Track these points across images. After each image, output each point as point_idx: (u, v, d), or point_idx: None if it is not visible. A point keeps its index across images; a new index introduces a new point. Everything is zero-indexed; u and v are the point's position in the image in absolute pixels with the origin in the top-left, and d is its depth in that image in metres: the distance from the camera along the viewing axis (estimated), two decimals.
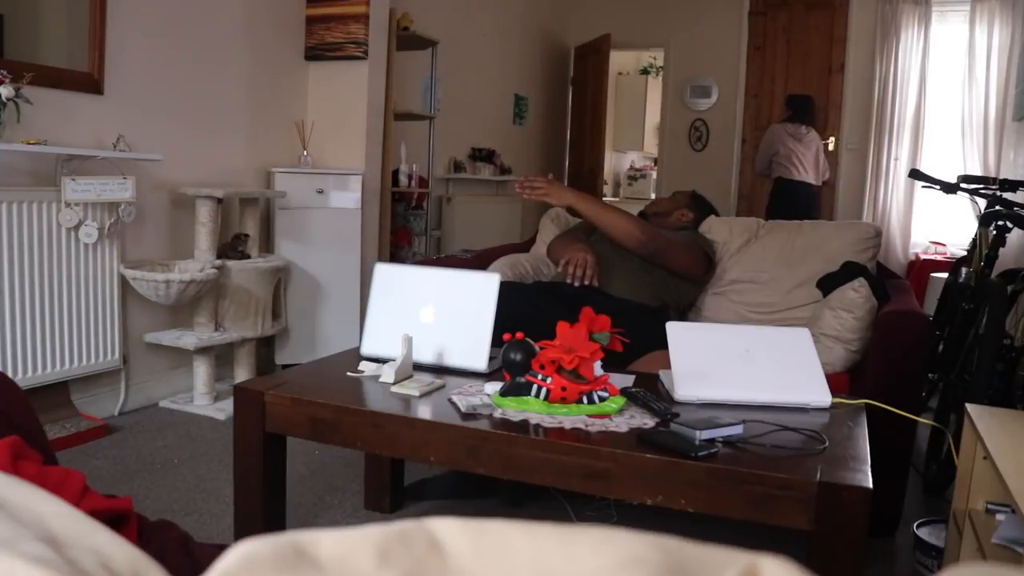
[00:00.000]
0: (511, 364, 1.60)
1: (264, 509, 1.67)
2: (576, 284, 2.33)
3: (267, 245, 3.46)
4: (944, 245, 5.51)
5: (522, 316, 1.92)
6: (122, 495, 1.00)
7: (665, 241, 2.43)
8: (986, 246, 2.78)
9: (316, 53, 3.66)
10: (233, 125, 3.36)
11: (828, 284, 2.36)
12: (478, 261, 2.75)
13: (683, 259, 2.46)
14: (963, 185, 3.06)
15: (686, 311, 2.63)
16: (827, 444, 1.39)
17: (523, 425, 1.45)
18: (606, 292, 2.36)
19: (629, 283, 2.40)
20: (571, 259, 2.35)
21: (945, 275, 3.61)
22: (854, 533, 1.22)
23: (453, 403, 1.55)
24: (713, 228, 2.77)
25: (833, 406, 1.63)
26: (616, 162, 8.97)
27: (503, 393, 1.55)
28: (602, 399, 1.53)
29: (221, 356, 3.14)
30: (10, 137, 2.35)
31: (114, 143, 2.72)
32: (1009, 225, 2.66)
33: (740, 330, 1.83)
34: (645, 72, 8.66)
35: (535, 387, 1.52)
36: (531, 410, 1.50)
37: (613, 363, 1.73)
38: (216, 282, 2.93)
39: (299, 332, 3.49)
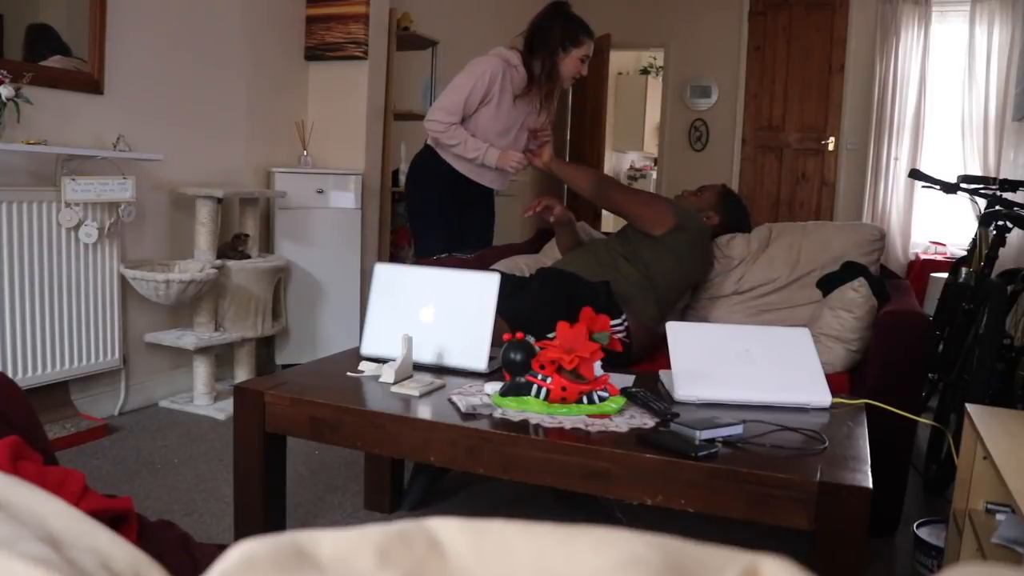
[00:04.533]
0: (511, 364, 1.60)
1: (264, 509, 1.67)
2: (528, 213, 2.57)
3: (267, 245, 3.46)
4: (944, 245, 5.50)
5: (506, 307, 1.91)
6: (122, 495, 1.00)
7: (620, 190, 2.63)
8: (986, 246, 2.78)
9: (316, 53, 3.66)
10: (233, 125, 3.36)
11: (828, 284, 2.35)
12: (478, 261, 2.75)
13: (641, 211, 2.42)
14: (963, 185, 3.06)
15: (684, 312, 2.62)
16: (827, 444, 1.39)
17: (523, 425, 1.45)
18: (561, 269, 2.36)
19: (594, 269, 2.34)
20: (541, 198, 2.60)
21: (945, 275, 3.61)
22: (854, 533, 1.22)
23: (453, 403, 1.55)
24: (732, 243, 2.66)
25: (833, 406, 1.63)
26: (616, 162, 8.97)
27: (503, 393, 1.55)
28: (602, 399, 1.53)
29: (221, 356, 3.14)
30: (10, 137, 2.35)
31: (114, 143, 2.72)
32: (1009, 225, 2.66)
33: (740, 330, 1.83)
34: (645, 72, 8.66)
35: (535, 387, 1.52)
36: (531, 410, 1.50)
37: (611, 363, 1.73)
38: (216, 282, 2.93)
39: (299, 332, 3.49)
